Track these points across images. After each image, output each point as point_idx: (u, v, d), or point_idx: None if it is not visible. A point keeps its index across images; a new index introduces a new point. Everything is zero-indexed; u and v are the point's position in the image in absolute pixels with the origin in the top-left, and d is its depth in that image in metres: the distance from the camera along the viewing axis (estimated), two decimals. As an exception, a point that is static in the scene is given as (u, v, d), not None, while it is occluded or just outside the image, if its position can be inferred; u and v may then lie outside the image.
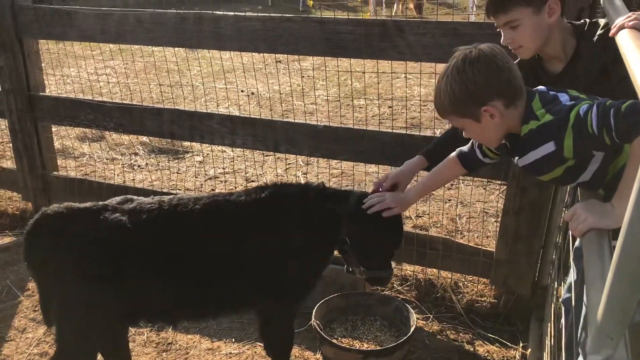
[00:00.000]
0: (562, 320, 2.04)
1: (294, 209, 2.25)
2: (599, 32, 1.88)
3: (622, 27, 1.50)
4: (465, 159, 2.12)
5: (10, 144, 4.21)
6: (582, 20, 2.00)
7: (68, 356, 2.18)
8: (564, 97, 1.65)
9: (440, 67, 2.96)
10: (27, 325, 3.09)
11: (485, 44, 1.67)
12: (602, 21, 1.92)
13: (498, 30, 1.99)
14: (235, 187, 4.56)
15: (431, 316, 3.07)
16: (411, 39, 2.76)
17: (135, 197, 2.21)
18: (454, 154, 2.16)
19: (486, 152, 2.03)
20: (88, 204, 2.14)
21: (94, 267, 2.06)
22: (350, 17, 2.93)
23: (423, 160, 2.35)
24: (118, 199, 2.19)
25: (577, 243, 1.98)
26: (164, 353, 2.86)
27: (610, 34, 1.57)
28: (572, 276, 2.05)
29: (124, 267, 2.07)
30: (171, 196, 2.25)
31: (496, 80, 1.62)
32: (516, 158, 1.78)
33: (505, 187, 2.99)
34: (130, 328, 2.76)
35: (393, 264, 2.41)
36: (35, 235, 2.11)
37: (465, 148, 2.12)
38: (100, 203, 2.15)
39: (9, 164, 4.84)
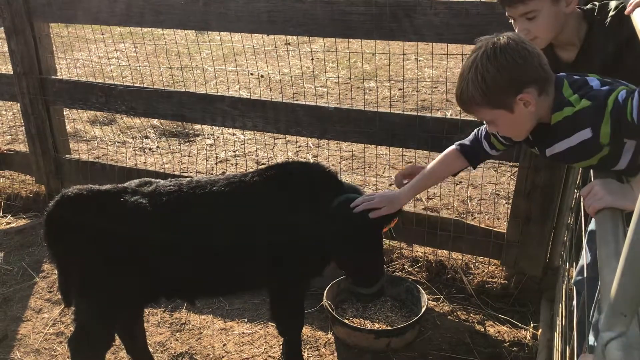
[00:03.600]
0: (574, 302, 2.05)
1: (302, 194, 2.23)
2: (612, 13, 1.84)
3: (638, 5, 1.48)
4: (468, 152, 2.01)
5: (23, 127, 4.24)
6: (589, 5, 1.95)
7: (87, 335, 2.22)
8: (594, 82, 1.58)
9: (452, 48, 2.97)
10: (42, 306, 3.14)
11: (507, 32, 1.60)
12: (612, 4, 1.88)
13: (510, 21, 1.91)
14: (246, 170, 4.57)
15: (442, 297, 3.09)
16: (422, 19, 2.74)
17: (153, 180, 2.23)
18: (453, 147, 2.05)
19: (494, 144, 1.94)
20: (108, 186, 2.17)
21: (114, 247, 2.09)
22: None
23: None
24: (137, 181, 2.22)
25: (590, 226, 1.98)
26: (178, 333, 2.91)
27: (626, 12, 1.55)
28: (584, 259, 2.05)
29: (144, 247, 2.10)
30: (189, 178, 2.27)
31: (530, 66, 1.54)
32: (543, 149, 1.71)
33: (516, 168, 2.98)
34: (144, 309, 2.80)
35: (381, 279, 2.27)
36: (57, 216, 2.13)
37: (466, 140, 2.02)
38: (120, 185, 2.18)
39: (22, 147, 4.88)
